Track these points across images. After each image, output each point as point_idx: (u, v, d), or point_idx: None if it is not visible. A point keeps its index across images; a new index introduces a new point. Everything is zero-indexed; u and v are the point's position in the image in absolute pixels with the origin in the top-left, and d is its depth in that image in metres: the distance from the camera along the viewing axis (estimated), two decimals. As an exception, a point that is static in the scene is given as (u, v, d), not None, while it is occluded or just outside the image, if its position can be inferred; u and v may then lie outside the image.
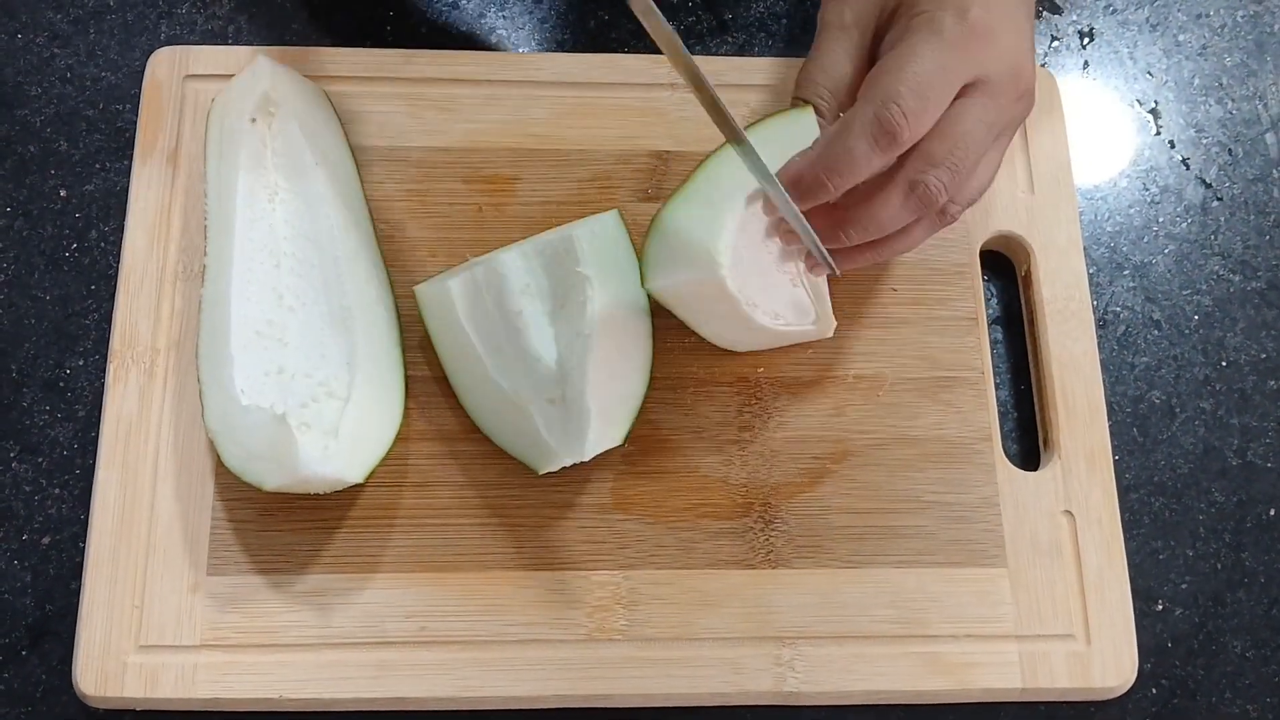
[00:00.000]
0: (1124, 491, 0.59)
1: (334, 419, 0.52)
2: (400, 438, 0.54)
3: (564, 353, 0.55)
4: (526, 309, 0.55)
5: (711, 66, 0.62)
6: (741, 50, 0.66)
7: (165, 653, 0.52)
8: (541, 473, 0.53)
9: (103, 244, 0.60)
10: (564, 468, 0.53)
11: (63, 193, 0.61)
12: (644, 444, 0.57)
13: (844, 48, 0.54)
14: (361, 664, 0.52)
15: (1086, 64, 0.68)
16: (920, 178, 0.49)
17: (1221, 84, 0.68)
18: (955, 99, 0.49)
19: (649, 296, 0.56)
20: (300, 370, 0.53)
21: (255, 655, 0.52)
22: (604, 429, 0.53)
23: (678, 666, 0.53)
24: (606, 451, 0.55)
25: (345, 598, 0.53)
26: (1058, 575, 0.55)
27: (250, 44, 0.63)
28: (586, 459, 0.53)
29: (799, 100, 0.55)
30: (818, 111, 0.54)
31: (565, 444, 0.53)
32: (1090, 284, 0.61)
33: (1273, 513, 0.59)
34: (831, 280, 0.57)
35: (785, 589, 0.55)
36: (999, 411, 0.59)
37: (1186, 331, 0.62)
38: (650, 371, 0.56)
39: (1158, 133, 0.67)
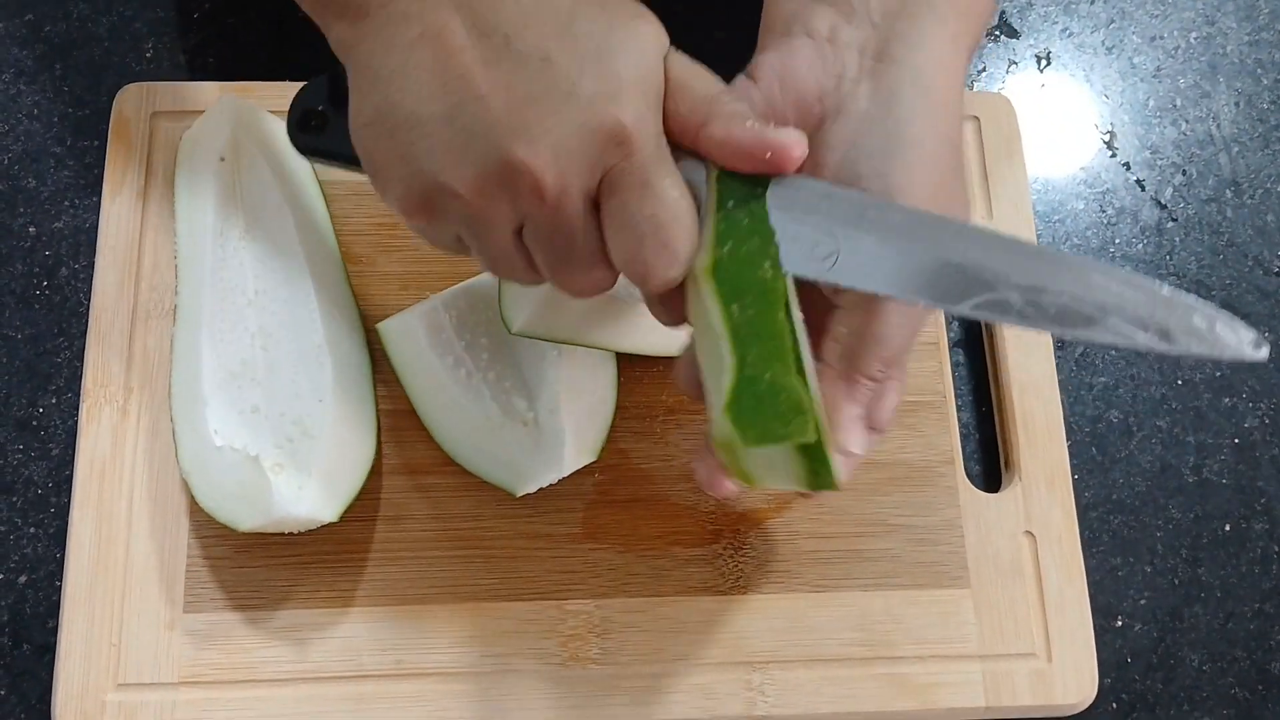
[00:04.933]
0: (1083, 510, 0.60)
1: (307, 457, 0.53)
2: (372, 472, 0.55)
3: (532, 374, 0.56)
4: (490, 335, 0.57)
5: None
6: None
7: (144, 690, 0.53)
8: (519, 495, 0.54)
9: (73, 281, 0.60)
10: (535, 498, 0.54)
11: (32, 230, 0.61)
12: (614, 473, 0.57)
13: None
14: (339, 698, 0.53)
15: (1044, 86, 0.69)
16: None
17: (1176, 105, 0.69)
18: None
19: None
20: (274, 409, 0.54)
21: (233, 691, 0.53)
22: (579, 445, 0.55)
23: (651, 693, 0.54)
24: (578, 481, 0.56)
25: (321, 632, 0.54)
26: (1019, 595, 0.57)
27: (218, 80, 0.63)
28: (565, 474, 0.54)
29: None
30: None
31: (542, 463, 0.54)
32: (1049, 306, 0.63)
33: (1228, 528, 0.61)
34: None
35: (755, 614, 0.56)
36: (961, 433, 0.60)
37: (1143, 351, 0.64)
38: (617, 386, 0.57)
39: (1113, 154, 0.68)
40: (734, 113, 0.42)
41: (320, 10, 0.44)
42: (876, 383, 0.45)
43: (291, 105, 0.48)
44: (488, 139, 0.40)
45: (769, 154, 0.42)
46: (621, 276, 0.44)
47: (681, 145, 0.43)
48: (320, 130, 0.48)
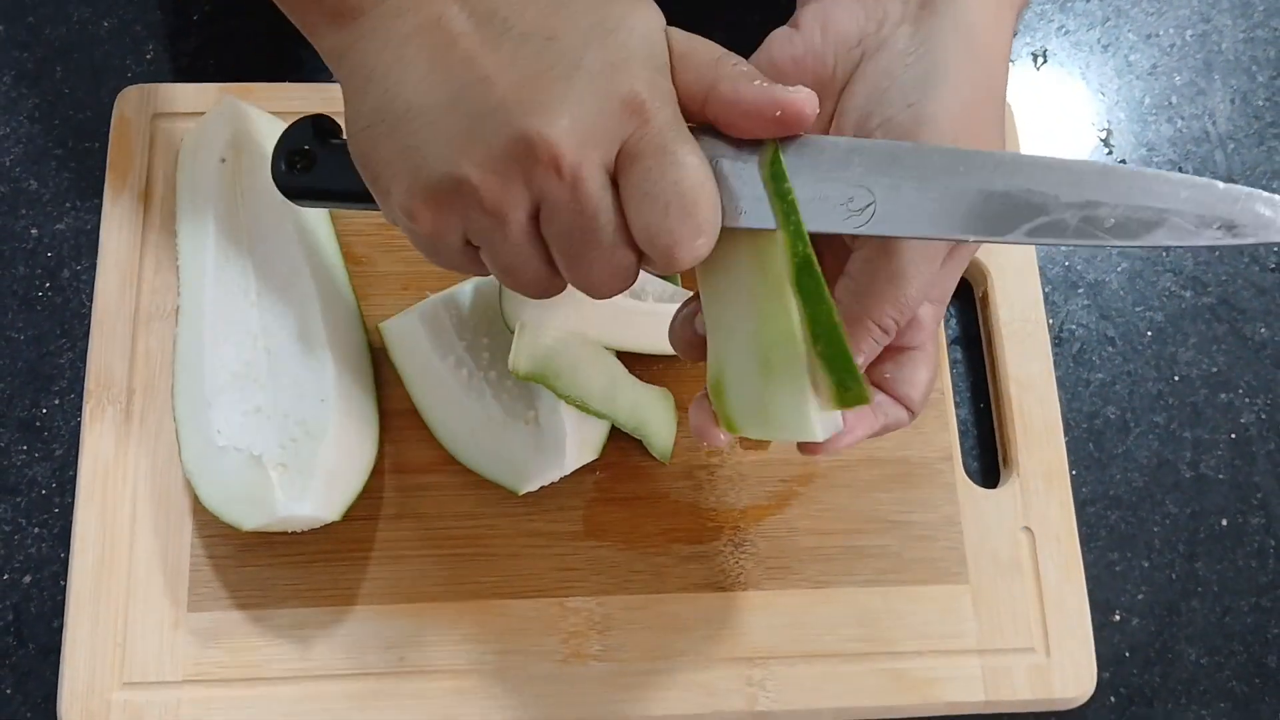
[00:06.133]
0: (1081, 505, 0.61)
1: (310, 457, 0.53)
2: (374, 472, 0.55)
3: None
4: (491, 334, 0.57)
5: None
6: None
7: (149, 689, 0.53)
8: (521, 493, 0.55)
9: (75, 283, 0.61)
10: (536, 496, 0.54)
11: (34, 232, 0.62)
12: (615, 471, 0.58)
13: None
14: (342, 695, 0.53)
15: (1040, 84, 0.70)
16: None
17: (1171, 103, 0.70)
18: None
19: None
20: (276, 410, 0.54)
21: (238, 690, 0.53)
22: (580, 443, 0.55)
23: (652, 689, 0.55)
24: (578, 479, 0.56)
25: (324, 631, 0.54)
26: (1018, 590, 0.57)
27: (218, 81, 0.63)
28: (567, 473, 0.54)
29: None
30: None
31: (543, 462, 0.55)
32: (1046, 302, 0.63)
33: (1225, 523, 0.61)
34: None
35: (756, 610, 0.56)
36: (959, 430, 0.60)
37: (1140, 347, 0.64)
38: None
39: (1110, 152, 0.68)
40: (740, 73, 0.41)
41: (312, 18, 0.43)
42: (885, 333, 0.44)
43: (275, 150, 0.48)
44: (497, 118, 0.39)
45: (779, 112, 0.40)
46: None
47: (691, 115, 0.42)
48: (307, 170, 0.47)
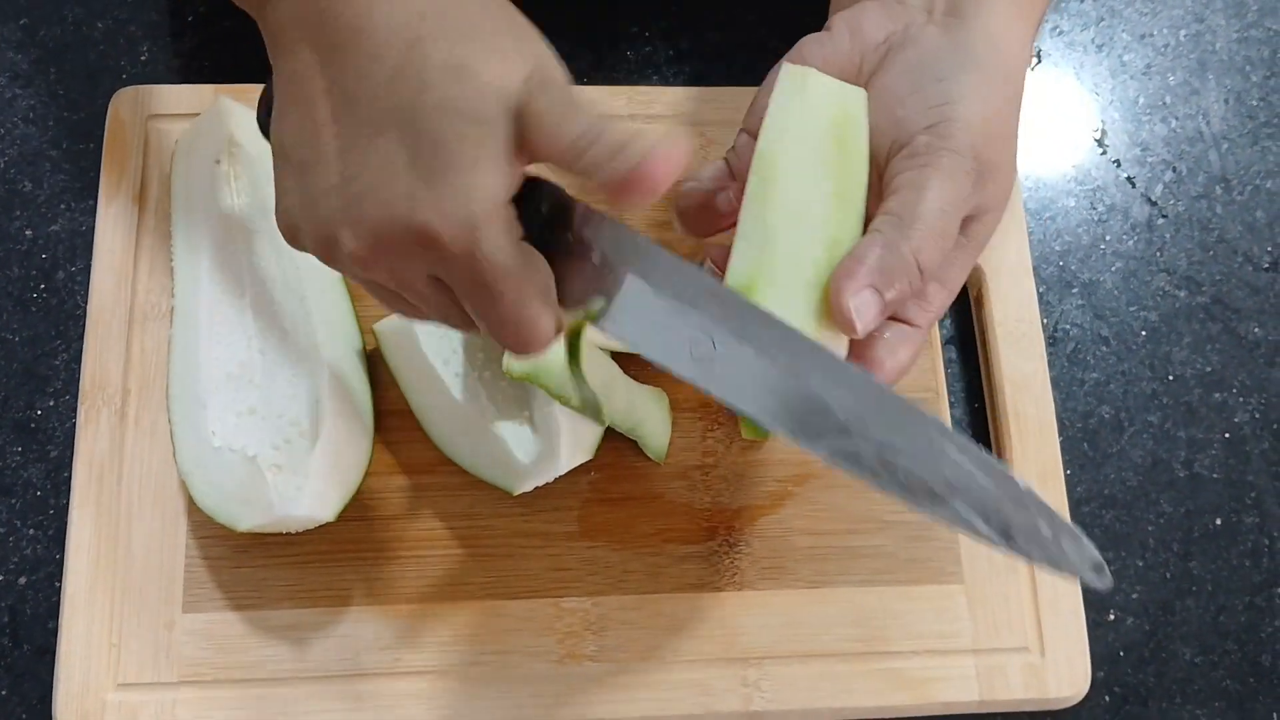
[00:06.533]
0: (1075, 504, 0.61)
1: (305, 457, 0.53)
2: (369, 473, 0.55)
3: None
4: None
5: (668, 97, 0.64)
6: (698, 80, 0.67)
7: (144, 690, 0.53)
8: (516, 494, 0.55)
9: (70, 285, 0.61)
10: (531, 497, 0.54)
11: (29, 233, 0.62)
12: (609, 471, 0.58)
13: None
14: (338, 696, 0.53)
15: (1034, 84, 0.70)
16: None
17: (1165, 103, 0.70)
18: None
19: None
20: (271, 410, 0.54)
21: (233, 690, 0.53)
22: (574, 444, 0.55)
23: (647, 689, 0.55)
24: (573, 480, 0.56)
25: (320, 631, 0.54)
26: (1012, 590, 0.57)
27: (213, 82, 0.63)
28: (561, 473, 0.54)
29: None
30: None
31: (539, 462, 0.55)
32: (1040, 302, 0.63)
33: (1219, 522, 0.62)
34: None
35: (751, 611, 0.56)
36: (954, 430, 0.60)
37: (1134, 347, 0.65)
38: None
39: (1104, 152, 0.69)
40: (593, 163, 0.38)
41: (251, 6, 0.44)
42: (918, 270, 0.44)
43: (260, 100, 0.48)
44: (325, 206, 0.40)
45: (633, 190, 0.38)
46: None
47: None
48: None
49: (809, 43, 0.50)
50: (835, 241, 0.45)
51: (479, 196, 0.38)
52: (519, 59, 0.39)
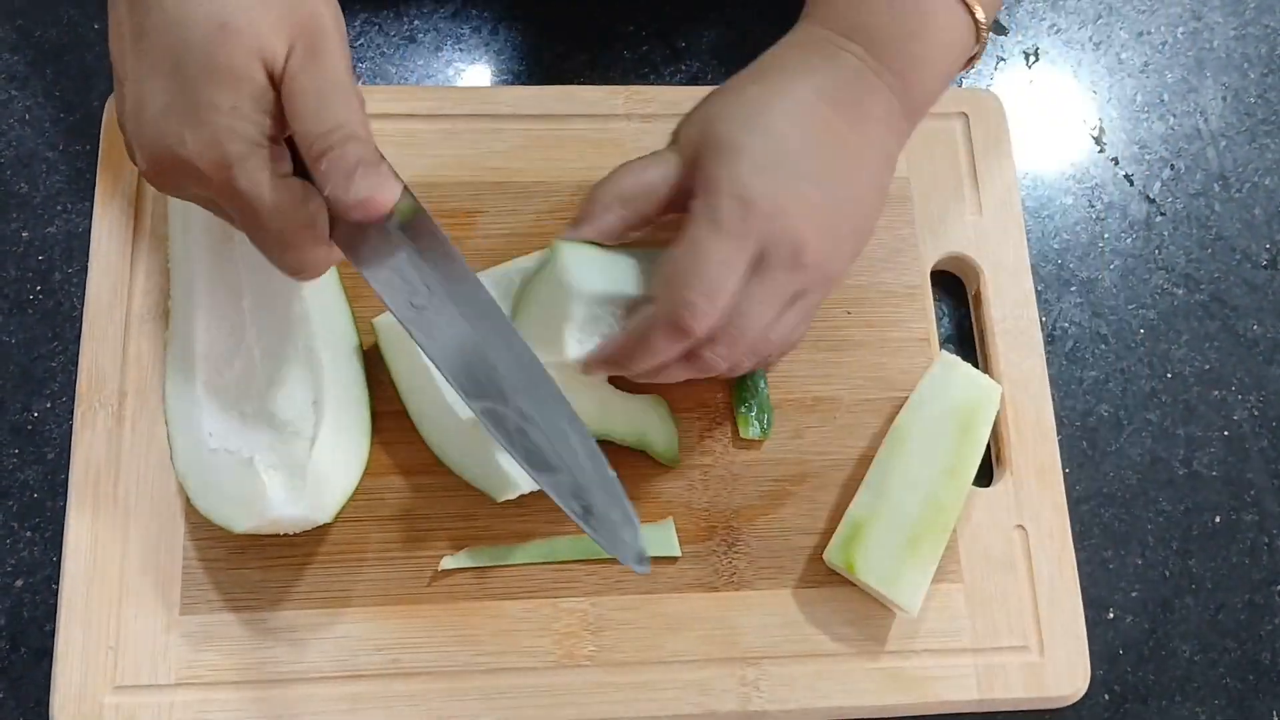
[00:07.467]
0: (1074, 503, 0.61)
1: (302, 459, 0.53)
2: (366, 473, 0.55)
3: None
4: None
5: (667, 96, 0.64)
6: (695, 79, 0.67)
7: (141, 692, 0.53)
8: (500, 500, 0.55)
9: (67, 286, 0.60)
10: (528, 497, 0.54)
11: (25, 235, 0.61)
12: (608, 471, 0.58)
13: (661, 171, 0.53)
14: (335, 697, 0.53)
15: (1032, 83, 0.70)
16: (699, 350, 0.51)
17: (1163, 100, 0.70)
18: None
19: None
20: (268, 412, 0.54)
21: (230, 692, 0.53)
22: None
23: (645, 689, 0.55)
24: (571, 480, 0.56)
25: (317, 633, 0.54)
26: (1011, 589, 0.57)
27: (209, 83, 0.63)
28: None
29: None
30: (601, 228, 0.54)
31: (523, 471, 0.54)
32: (1039, 300, 0.63)
33: (1218, 520, 0.61)
34: None
35: (749, 610, 0.56)
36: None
37: (1133, 345, 0.64)
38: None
39: (1102, 150, 0.68)
40: (325, 174, 0.44)
41: None
42: (691, 317, 0.49)
43: None
44: (129, 124, 0.45)
45: (350, 212, 0.44)
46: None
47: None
48: None
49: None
50: (937, 504, 0.55)
51: (232, 138, 0.43)
52: (285, 23, 0.44)
